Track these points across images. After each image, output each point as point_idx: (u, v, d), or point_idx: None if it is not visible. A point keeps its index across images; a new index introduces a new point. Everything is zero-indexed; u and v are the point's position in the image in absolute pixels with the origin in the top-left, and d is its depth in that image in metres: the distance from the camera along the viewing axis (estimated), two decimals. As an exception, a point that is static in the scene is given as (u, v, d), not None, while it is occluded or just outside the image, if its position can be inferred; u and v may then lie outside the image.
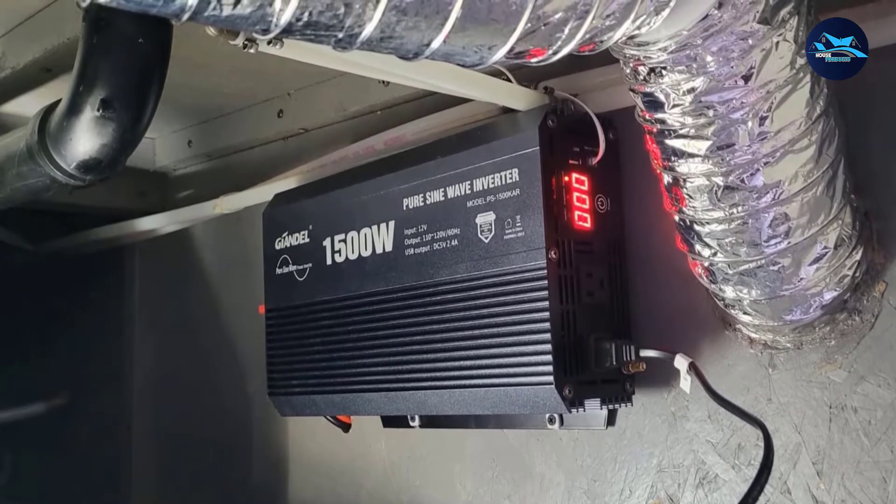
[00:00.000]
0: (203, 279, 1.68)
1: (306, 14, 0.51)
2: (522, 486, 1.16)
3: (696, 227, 0.84)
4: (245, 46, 0.76)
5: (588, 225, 1.00)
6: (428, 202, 1.08)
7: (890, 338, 0.89)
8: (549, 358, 0.93)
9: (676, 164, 0.79)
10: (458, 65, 0.62)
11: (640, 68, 0.73)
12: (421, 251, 1.08)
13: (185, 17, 0.49)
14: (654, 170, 0.84)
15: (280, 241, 1.29)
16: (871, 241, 0.90)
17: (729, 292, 0.88)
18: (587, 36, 0.62)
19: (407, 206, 1.10)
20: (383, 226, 1.13)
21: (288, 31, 0.52)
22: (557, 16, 0.59)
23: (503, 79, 1.04)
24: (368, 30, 0.53)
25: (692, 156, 0.77)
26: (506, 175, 0.99)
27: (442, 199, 1.06)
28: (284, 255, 1.29)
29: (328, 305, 1.21)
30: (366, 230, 1.15)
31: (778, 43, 0.69)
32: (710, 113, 0.73)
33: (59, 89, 1.02)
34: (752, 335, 0.97)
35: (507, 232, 0.98)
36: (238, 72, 1.34)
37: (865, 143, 0.89)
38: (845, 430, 0.91)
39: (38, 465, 1.95)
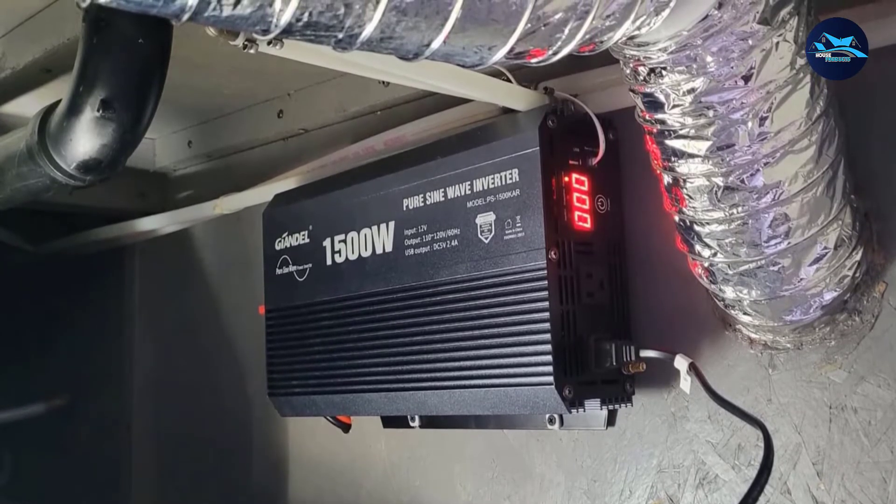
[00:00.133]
0: (203, 279, 1.68)
1: (306, 14, 0.51)
2: (522, 487, 1.16)
3: (696, 228, 0.84)
4: (245, 47, 0.76)
5: (588, 225, 1.00)
6: (428, 202, 1.08)
7: (890, 338, 0.89)
8: (549, 358, 0.93)
9: (676, 164, 0.79)
10: (458, 65, 0.62)
11: (640, 69, 0.73)
12: (421, 251, 1.08)
13: (185, 17, 0.49)
14: (654, 170, 0.84)
15: (280, 241, 1.29)
16: (871, 242, 0.90)
17: (729, 293, 0.88)
18: (587, 36, 0.62)
19: (407, 206, 1.10)
20: (383, 226, 1.13)
21: (288, 31, 0.52)
22: (557, 16, 0.59)
23: (503, 79, 1.04)
24: (368, 30, 0.53)
25: (692, 156, 0.77)
26: (506, 175, 0.99)
27: (442, 199, 1.06)
28: (284, 256, 1.29)
29: (328, 306, 1.21)
30: (366, 230, 1.15)
31: (778, 43, 0.69)
32: (710, 113, 0.73)
33: (59, 90, 1.02)
34: (752, 335, 0.97)
35: (507, 232, 0.98)
36: (238, 72, 1.34)
37: (865, 143, 0.89)
38: (845, 430, 0.91)
39: (38, 465, 1.95)
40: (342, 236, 1.19)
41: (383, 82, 1.27)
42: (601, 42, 0.65)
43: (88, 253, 1.83)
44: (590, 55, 0.67)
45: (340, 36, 0.54)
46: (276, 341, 1.30)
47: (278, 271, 1.29)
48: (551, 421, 1.03)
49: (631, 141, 1.02)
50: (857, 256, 0.87)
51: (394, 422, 1.22)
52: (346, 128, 1.40)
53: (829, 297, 0.87)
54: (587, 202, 1.00)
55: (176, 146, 1.69)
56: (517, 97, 1.02)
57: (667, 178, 0.82)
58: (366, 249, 1.15)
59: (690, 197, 0.81)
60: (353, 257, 1.18)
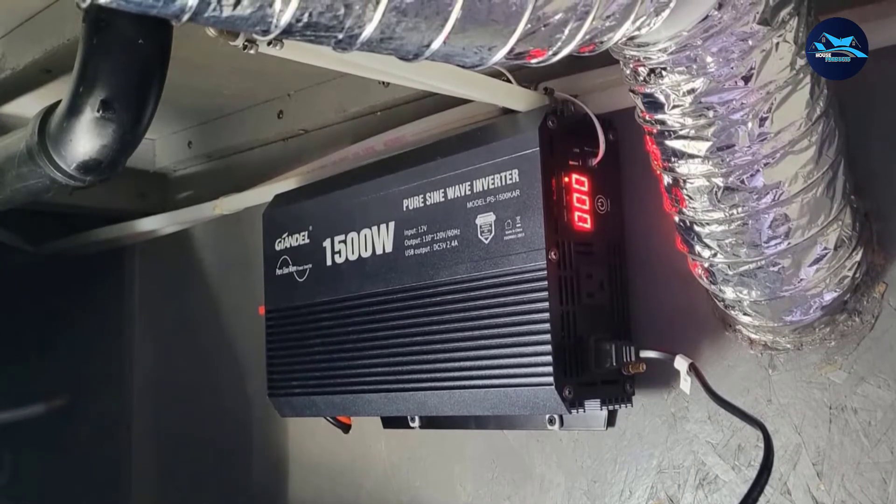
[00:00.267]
0: (203, 280, 1.68)
1: (306, 15, 0.51)
2: (522, 487, 1.16)
3: (696, 228, 0.84)
4: (245, 47, 0.76)
5: (588, 226, 1.00)
6: (428, 203, 1.08)
7: (890, 339, 0.89)
8: (549, 359, 0.93)
9: (676, 164, 0.79)
10: (458, 66, 0.62)
11: (640, 69, 0.73)
12: (421, 252, 1.08)
13: (185, 17, 0.49)
14: (654, 171, 0.84)
15: (280, 241, 1.29)
16: (871, 243, 0.90)
17: (729, 293, 0.88)
18: (587, 37, 0.62)
19: (407, 206, 1.10)
20: (383, 226, 1.13)
21: (288, 32, 0.52)
22: (557, 17, 0.59)
23: (503, 80, 1.04)
24: (368, 31, 0.53)
25: (692, 157, 0.77)
26: (506, 176, 0.99)
27: (442, 199, 1.06)
28: (284, 256, 1.29)
29: (328, 306, 1.21)
30: (366, 231, 1.15)
31: (778, 44, 0.69)
32: (710, 114, 0.73)
33: (59, 90, 1.02)
34: (752, 336, 0.97)
35: (507, 233, 0.98)
36: (238, 73, 1.34)
37: (865, 143, 0.89)
38: (845, 431, 0.91)
39: (38, 466, 1.95)
40: (342, 237, 1.19)
41: (383, 83, 1.27)
42: (601, 42, 0.65)
43: (88, 253, 1.83)
44: (590, 56, 0.67)
45: (340, 36, 0.54)
46: (276, 342, 1.30)
47: (278, 272, 1.29)
48: (551, 421, 1.03)
49: (631, 141, 1.02)
50: (857, 257, 0.87)
51: (394, 422, 1.22)
52: (346, 128, 1.40)
53: (829, 297, 0.87)
54: (587, 203, 1.00)
55: (176, 146, 1.69)
56: (517, 98, 1.02)
57: (667, 179, 0.82)
58: (366, 250, 1.15)
59: (690, 197, 0.81)
60: (353, 258, 1.18)
